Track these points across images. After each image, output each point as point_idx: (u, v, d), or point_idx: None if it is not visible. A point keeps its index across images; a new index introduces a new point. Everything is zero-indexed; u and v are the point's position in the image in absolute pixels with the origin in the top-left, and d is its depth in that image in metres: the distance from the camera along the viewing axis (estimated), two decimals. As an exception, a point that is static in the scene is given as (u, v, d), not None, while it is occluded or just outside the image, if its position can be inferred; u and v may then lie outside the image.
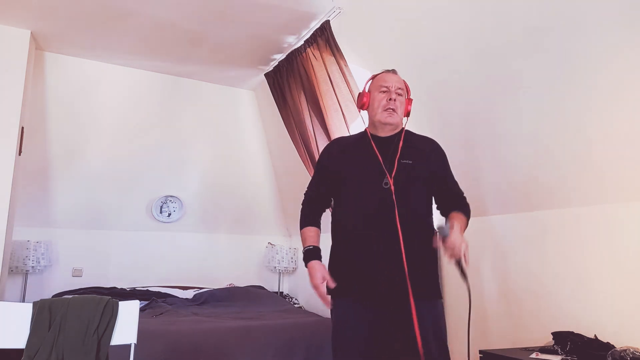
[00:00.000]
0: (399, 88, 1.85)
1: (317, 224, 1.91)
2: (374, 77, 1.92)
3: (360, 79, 3.04)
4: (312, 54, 3.31)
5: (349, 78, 3.01)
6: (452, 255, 1.64)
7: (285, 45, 3.61)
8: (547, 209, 2.35)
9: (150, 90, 4.11)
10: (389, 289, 1.67)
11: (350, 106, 3.06)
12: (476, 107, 2.50)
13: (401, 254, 1.65)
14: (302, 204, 1.97)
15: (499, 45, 2.25)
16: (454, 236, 1.62)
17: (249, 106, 4.59)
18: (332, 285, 1.72)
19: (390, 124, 1.83)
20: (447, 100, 2.65)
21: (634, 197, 1.98)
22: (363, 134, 1.91)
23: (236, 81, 4.35)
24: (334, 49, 3.07)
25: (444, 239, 1.64)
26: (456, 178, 1.95)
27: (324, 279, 1.73)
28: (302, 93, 3.53)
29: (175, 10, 3.12)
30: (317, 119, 3.41)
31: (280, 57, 3.75)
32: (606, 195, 2.08)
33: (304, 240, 1.87)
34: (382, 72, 1.91)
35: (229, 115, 4.53)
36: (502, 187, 2.53)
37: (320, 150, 3.39)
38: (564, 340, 1.98)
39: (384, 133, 1.86)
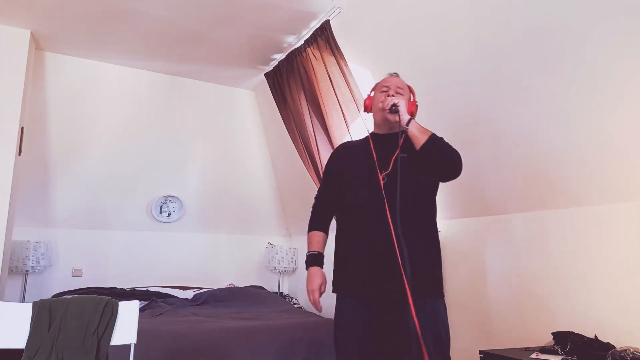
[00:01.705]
0: (399, 87, 1.88)
1: (324, 229, 1.95)
2: (378, 83, 1.98)
3: (360, 79, 3.04)
4: (312, 53, 3.31)
5: (349, 78, 3.01)
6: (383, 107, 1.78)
7: (285, 45, 3.61)
8: (547, 209, 2.35)
9: (150, 90, 4.11)
10: (387, 286, 1.68)
11: (350, 106, 3.06)
12: (476, 107, 2.50)
13: (393, 251, 1.64)
14: (311, 208, 2.02)
15: (499, 45, 2.25)
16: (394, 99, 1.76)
17: (249, 106, 4.59)
18: (320, 308, 1.81)
19: (388, 119, 1.82)
20: (447, 100, 2.65)
21: (634, 197, 1.98)
22: (367, 136, 1.96)
23: (236, 81, 4.35)
24: (334, 48, 3.06)
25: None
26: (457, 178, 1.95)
27: (320, 286, 1.81)
28: (302, 93, 3.53)
29: (175, 10, 3.12)
30: (317, 119, 3.41)
31: (280, 57, 3.75)
32: (606, 195, 2.08)
33: (308, 244, 1.93)
34: (386, 76, 1.97)
35: (229, 115, 4.53)
36: (503, 187, 2.53)
37: (320, 150, 3.42)
38: (564, 340, 1.98)
39: (385, 130, 1.88)
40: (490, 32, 2.26)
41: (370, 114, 1.98)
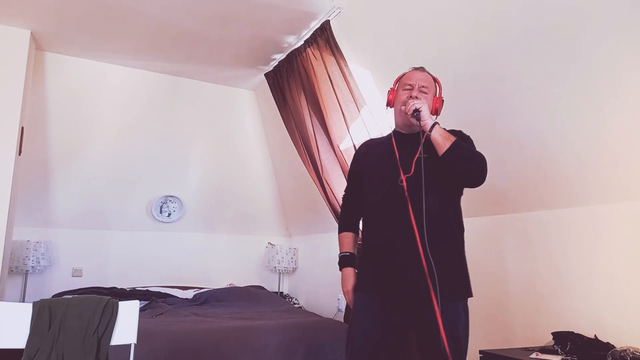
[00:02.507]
0: (423, 86, 1.81)
1: (353, 229, 1.94)
2: (402, 75, 1.90)
3: (361, 79, 3.04)
4: (312, 54, 3.31)
5: (349, 78, 3.01)
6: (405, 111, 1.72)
7: (285, 45, 3.61)
8: (547, 209, 2.35)
9: (150, 90, 4.11)
10: (407, 288, 1.66)
11: (350, 106, 3.06)
12: (476, 107, 2.50)
13: (418, 252, 1.61)
14: (340, 208, 2.02)
15: (499, 46, 2.25)
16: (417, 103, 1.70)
17: (249, 106, 4.59)
18: (351, 303, 1.82)
19: (405, 121, 1.79)
20: (447, 100, 2.64)
21: (634, 197, 1.98)
22: (390, 135, 1.92)
23: (236, 81, 4.35)
24: (334, 49, 3.06)
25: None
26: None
27: (354, 286, 1.82)
28: (302, 93, 3.53)
29: (175, 10, 3.12)
30: (317, 119, 3.41)
31: (280, 57, 3.75)
32: (605, 195, 2.09)
33: (340, 246, 1.93)
34: (410, 70, 1.89)
35: (229, 115, 4.53)
36: (502, 187, 2.53)
37: (320, 150, 3.43)
38: (564, 340, 1.99)
39: (407, 130, 1.84)
40: (488, 33, 2.26)
41: (392, 110, 1.90)
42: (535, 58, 2.11)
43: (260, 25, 3.31)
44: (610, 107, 1.94)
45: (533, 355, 1.96)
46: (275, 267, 4.66)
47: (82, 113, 3.90)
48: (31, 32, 3.41)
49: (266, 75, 4.00)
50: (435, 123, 1.69)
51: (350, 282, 1.84)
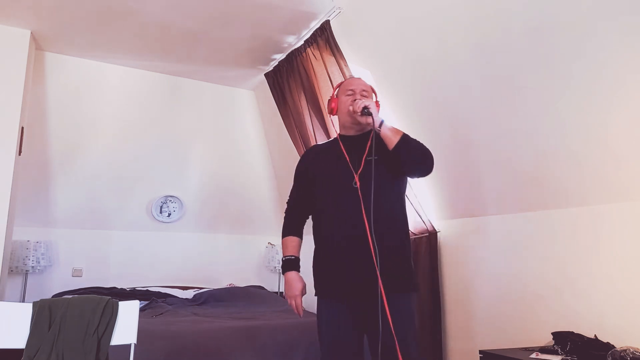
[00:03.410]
0: (364, 90, 1.90)
1: (297, 233, 1.96)
2: (340, 84, 2.00)
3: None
4: (312, 54, 3.31)
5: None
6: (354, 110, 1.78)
7: (285, 45, 3.61)
8: (547, 209, 2.35)
9: (150, 90, 4.11)
10: (361, 285, 1.70)
11: (350, 106, 3.06)
12: (476, 107, 2.50)
13: (369, 251, 1.66)
14: (284, 213, 2.01)
15: (499, 45, 2.25)
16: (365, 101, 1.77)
17: (249, 106, 4.59)
18: (301, 312, 1.85)
19: (353, 116, 1.84)
20: (447, 100, 2.65)
21: (634, 197, 1.98)
22: (335, 139, 1.97)
23: (236, 81, 4.35)
24: (334, 49, 3.06)
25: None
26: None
27: (301, 290, 1.84)
28: (302, 93, 3.53)
29: (175, 10, 3.12)
30: (317, 119, 3.41)
31: (280, 57, 3.75)
32: (605, 195, 2.08)
33: (283, 249, 1.94)
34: (348, 79, 2.00)
35: (229, 115, 4.53)
36: (502, 187, 2.53)
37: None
38: (564, 340, 1.98)
39: (353, 132, 1.90)
40: (489, 32, 2.26)
41: (335, 117, 1.99)
42: (535, 58, 2.11)
43: (260, 25, 3.31)
44: (611, 107, 1.94)
45: (533, 355, 1.96)
46: (275, 267, 4.66)
47: (82, 113, 3.91)
48: (31, 32, 3.41)
49: (266, 75, 4.00)
50: (383, 120, 1.77)
51: (297, 286, 1.84)
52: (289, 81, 3.69)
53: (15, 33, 3.35)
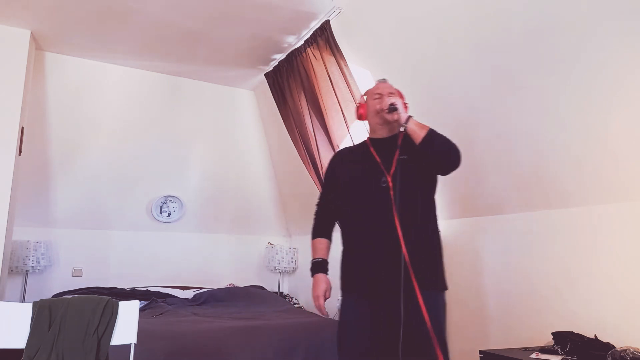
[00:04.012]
0: (390, 93, 1.93)
1: (327, 235, 1.99)
2: (368, 90, 2.02)
3: (361, 79, 3.04)
4: (312, 54, 3.31)
5: (349, 78, 3.01)
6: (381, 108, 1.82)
7: (285, 45, 3.61)
8: (546, 209, 2.35)
9: (150, 90, 4.11)
10: (389, 282, 1.71)
11: (350, 106, 3.06)
12: (476, 107, 2.50)
13: (401, 248, 1.69)
14: (314, 215, 2.05)
15: (499, 45, 2.25)
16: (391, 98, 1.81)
17: (249, 106, 4.59)
18: (323, 306, 1.87)
19: (389, 121, 1.87)
20: (447, 100, 2.65)
21: (634, 197, 1.98)
22: (364, 141, 2.00)
23: (236, 81, 4.35)
24: (334, 49, 3.06)
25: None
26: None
27: (325, 292, 1.87)
28: (302, 93, 3.53)
29: (175, 10, 3.12)
30: (317, 119, 3.41)
31: (280, 57, 3.75)
32: (605, 195, 2.08)
33: (312, 252, 1.97)
34: (375, 83, 2.02)
35: (229, 115, 4.53)
36: (502, 187, 2.53)
37: (320, 150, 3.42)
38: (564, 340, 1.98)
39: (383, 134, 1.93)
40: (489, 32, 2.26)
41: (365, 122, 2.02)
42: (535, 58, 2.11)
43: (260, 25, 3.31)
44: (611, 107, 1.94)
45: (533, 355, 1.96)
46: (275, 267, 4.66)
47: (82, 113, 3.91)
48: (31, 32, 3.41)
49: (266, 75, 4.00)
50: (410, 116, 1.79)
51: (322, 287, 1.87)
52: (289, 81, 3.69)
53: (15, 33, 3.35)
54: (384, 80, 2.02)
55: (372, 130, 1.99)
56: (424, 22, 2.56)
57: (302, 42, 3.41)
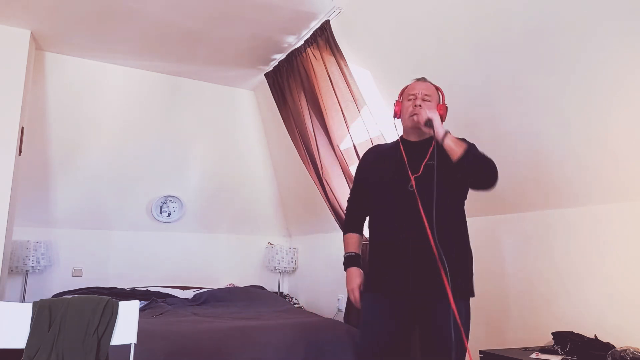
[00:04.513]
0: (426, 94, 1.90)
1: (358, 230, 2.03)
2: (405, 87, 2.00)
3: (361, 79, 3.04)
4: (312, 54, 3.31)
5: (349, 78, 3.01)
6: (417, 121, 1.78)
7: (285, 45, 3.61)
8: (547, 209, 2.35)
9: (150, 90, 4.11)
10: (419, 286, 1.73)
11: (350, 106, 3.06)
12: (476, 107, 2.50)
13: (428, 253, 1.69)
14: (345, 210, 2.10)
15: (499, 45, 2.25)
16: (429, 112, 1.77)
17: (249, 106, 4.59)
18: (359, 299, 1.89)
19: (413, 127, 1.88)
20: (447, 100, 2.64)
21: (634, 197, 1.98)
22: (397, 141, 1.99)
23: (236, 81, 4.35)
24: (334, 49, 3.06)
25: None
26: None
27: (359, 285, 1.89)
28: (302, 93, 3.53)
29: (175, 10, 3.12)
30: (317, 119, 3.41)
31: (280, 57, 3.75)
32: (605, 195, 2.08)
33: (344, 246, 2.00)
34: (413, 82, 1.99)
35: (229, 115, 4.53)
36: (502, 187, 2.52)
37: (320, 150, 3.42)
38: (564, 340, 1.98)
39: (415, 138, 1.92)
40: (489, 32, 2.26)
41: (399, 120, 1.99)
42: (535, 58, 2.11)
43: (260, 25, 3.31)
44: (611, 107, 1.94)
45: (533, 355, 1.96)
46: (275, 267, 4.66)
47: (82, 113, 3.90)
48: (31, 32, 3.41)
49: (266, 75, 4.00)
50: (447, 132, 1.76)
51: (357, 280, 1.90)
52: (289, 81, 3.69)
53: (15, 33, 3.35)
54: (422, 79, 1.97)
55: (404, 132, 1.98)
56: (424, 22, 2.56)
57: (302, 42, 3.41)
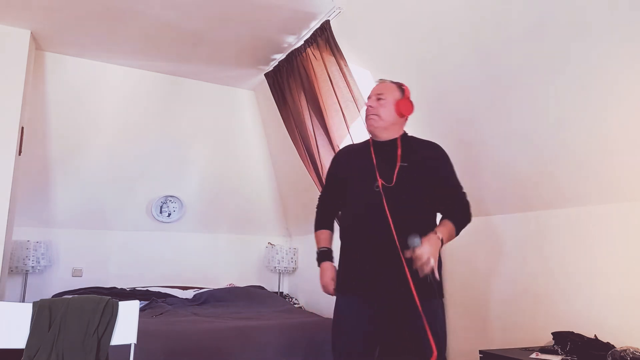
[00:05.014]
0: (379, 94, 1.91)
1: (329, 226, 2.04)
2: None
3: (360, 79, 3.04)
4: (312, 54, 3.31)
5: (349, 78, 3.01)
6: (421, 270, 1.61)
7: (285, 45, 3.61)
8: (546, 209, 2.35)
9: (150, 90, 4.11)
10: (385, 288, 1.74)
11: (350, 106, 3.06)
12: (475, 107, 2.50)
13: (395, 254, 1.70)
14: (316, 208, 2.10)
15: (498, 45, 2.25)
16: (421, 250, 1.59)
17: (249, 106, 4.59)
18: (332, 292, 1.89)
19: (371, 130, 1.93)
20: (447, 100, 2.65)
21: (633, 197, 1.98)
22: (367, 140, 2.01)
23: (236, 81, 4.35)
24: (334, 49, 3.06)
25: (414, 249, 1.61)
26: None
27: (332, 279, 1.89)
28: (302, 93, 3.53)
29: (176, 10, 3.12)
30: (317, 119, 3.41)
31: (280, 57, 3.75)
32: (605, 195, 2.09)
33: (316, 242, 2.01)
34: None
35: (229, 115, 4.53)
36: (502, 187, 2.53)
37: (320, 150, 3.42)
38: (564, 340, 1.99)
39: (381, 138, 1.93)
40: (489, 33, 2.26)
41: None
42: (535, 58, 2.11)
43: (260, 25, 3.31)
44: (608, 106, 1.94)
45: (533, 355, 1.96)
46: (275, 267, 4.66)
47: (82, 113, 3.90)
48: (31, 32, 3.40)
49: (266, 75, 4.00)
50: (440, 239, 1.72)
51: (329, 274, 1.91)
52: (289, 81, 3.69)
53: (15, 33, 3.35)
54: (381, 80, 2.00)
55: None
56: (424, 22, 2.56)
57: (302, 42, 3.41)
